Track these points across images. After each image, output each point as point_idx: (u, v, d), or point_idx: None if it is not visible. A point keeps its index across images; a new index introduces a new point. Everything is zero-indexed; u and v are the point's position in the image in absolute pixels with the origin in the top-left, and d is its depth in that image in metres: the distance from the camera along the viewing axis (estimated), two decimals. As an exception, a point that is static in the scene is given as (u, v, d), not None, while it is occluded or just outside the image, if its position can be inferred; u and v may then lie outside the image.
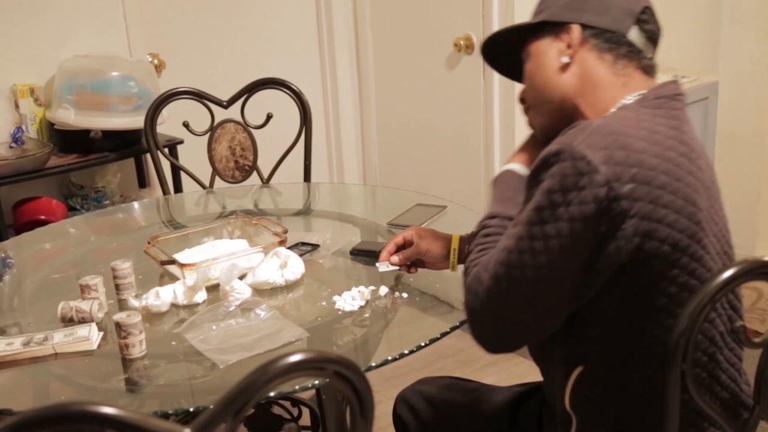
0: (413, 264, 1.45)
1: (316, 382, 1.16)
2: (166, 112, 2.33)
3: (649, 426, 1.06)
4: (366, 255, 1.59)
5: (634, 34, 1.14)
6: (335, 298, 1.40)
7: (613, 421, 1.09)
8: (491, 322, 1.08)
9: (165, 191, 2.32)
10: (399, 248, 1.46)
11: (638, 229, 0.97)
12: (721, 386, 1.09)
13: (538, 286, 1.02)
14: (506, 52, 1.28)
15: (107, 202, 2.67)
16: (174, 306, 1.41)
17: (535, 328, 1.08)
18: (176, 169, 2.54)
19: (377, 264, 1.46)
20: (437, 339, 1.27)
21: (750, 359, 1.09)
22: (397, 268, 1.45)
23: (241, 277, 1.46)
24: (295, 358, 0.72)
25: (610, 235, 0.97)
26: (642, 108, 1.09)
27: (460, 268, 1.42)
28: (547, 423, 1.25)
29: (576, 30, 1.14)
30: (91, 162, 2.53)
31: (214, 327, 1.32)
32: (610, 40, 1.13)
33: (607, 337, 1.06)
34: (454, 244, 1.40)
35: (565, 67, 1.15)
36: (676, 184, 1.00)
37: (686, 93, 1.15)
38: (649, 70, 1.16)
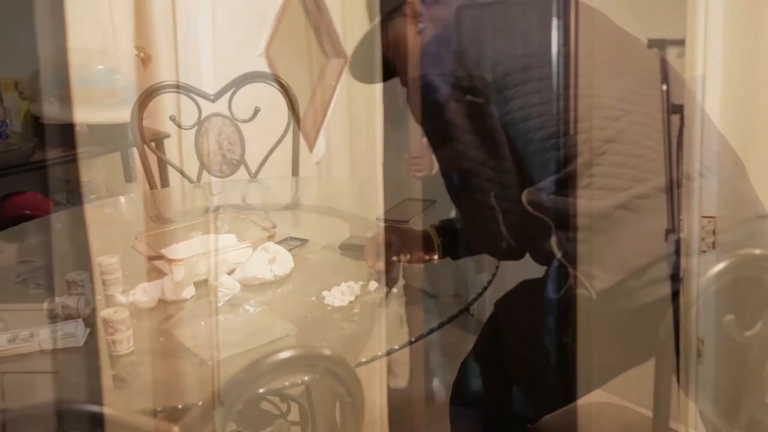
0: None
1: (306, 378, 1.15)
2: (153, 105, 2.32)
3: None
4: (355, 250, 1.58)
5: None
6: (324, 293, 1.39)
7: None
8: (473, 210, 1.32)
9: (152, 186, 2.30)
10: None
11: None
12: None
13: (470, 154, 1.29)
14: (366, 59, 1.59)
15: (93, 196, 2.65)
16: (162, 302, 1.40)
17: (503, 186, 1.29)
18: (163, 164, 2.52)
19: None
20: (426, 334, 1.26)
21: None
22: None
23: (230, 273, 1.45)
24: (285, 355, 0.71)
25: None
26: None
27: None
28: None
29: (413, 3, 1.43)
30: (77, 156, 2.50)
31: (203, 323, 1.31)
32: None
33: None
34: (436, 240, 1.48)
35: (421, 30, 1.42)
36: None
37: None
38: None
